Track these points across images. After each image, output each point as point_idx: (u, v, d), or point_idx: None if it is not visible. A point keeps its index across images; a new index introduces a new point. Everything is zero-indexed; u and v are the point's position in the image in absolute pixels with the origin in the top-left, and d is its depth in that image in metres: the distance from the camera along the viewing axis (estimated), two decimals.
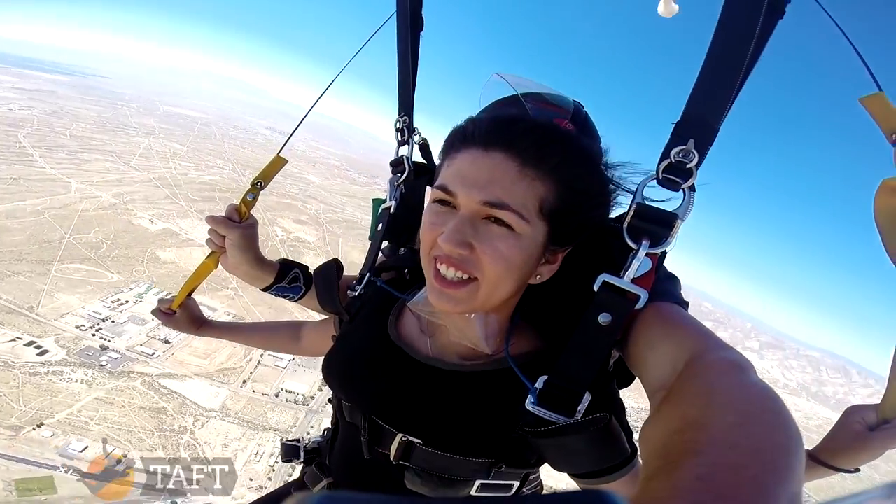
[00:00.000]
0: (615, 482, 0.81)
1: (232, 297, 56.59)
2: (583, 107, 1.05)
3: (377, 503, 0.25)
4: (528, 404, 0.83)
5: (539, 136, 0.83)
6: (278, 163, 1.36)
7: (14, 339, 40.28)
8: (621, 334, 0.83)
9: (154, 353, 44.96)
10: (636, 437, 0.84)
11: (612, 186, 0.92)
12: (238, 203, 1.29)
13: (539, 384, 0.84)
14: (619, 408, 0.93)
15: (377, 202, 1.37)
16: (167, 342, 46.59)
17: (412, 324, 1.07)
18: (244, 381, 45.64)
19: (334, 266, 1.30)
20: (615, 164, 0.94)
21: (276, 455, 38.05)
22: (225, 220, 1.26)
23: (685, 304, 0.89)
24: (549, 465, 0.87)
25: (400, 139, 1.34)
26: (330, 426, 1.23)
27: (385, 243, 1.35)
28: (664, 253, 0.85)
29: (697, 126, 0.80)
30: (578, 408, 0.81)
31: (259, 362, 46.68)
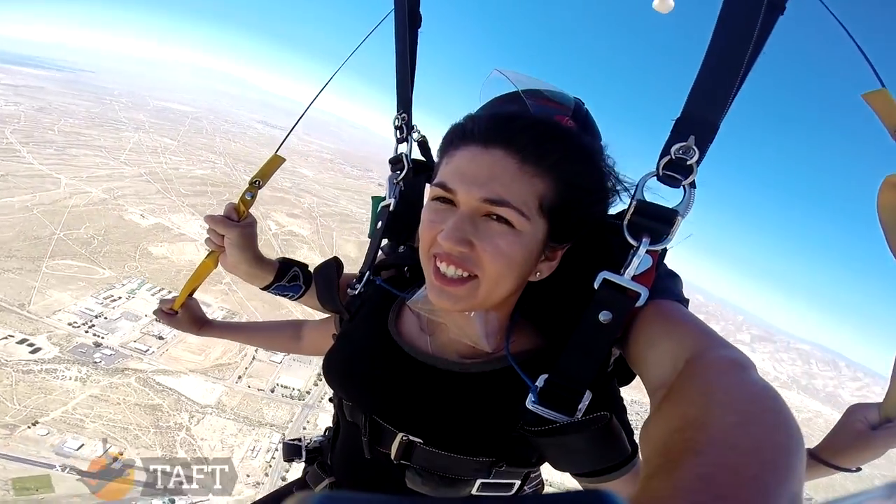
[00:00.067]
0: (615, 481, 0.81)
1: (226, 292, 56.33)
2: (583, 104, 1.05)
3: (378, 503, 0.25)
4: (529, 403, 0.83)
5: (538, 133, 0.83)
6: (276, 161, 1.35)
7: (6, 337, 39.96)
8: (622, 332, 0.83)
9: (148, 350, 44.77)
10: (636, 435, 0.84)
11: (611, 183, 0.92)
12: (236, 202, 1.29)
13: (540, 383, 0.84)
14: (620, 407, 0.94)
15: (376, 200, 1.36)
16: (161, 338, 46.38)
17: (412, 322, 1.07)
18: (239, 377, 45.60)
19: (334, 265, 1.30)
20: (615, 167, 0.94)
21: (272, 451, 38.16)
22: (224, 219, 1.26)
23: (686, 302, 0.89)
24: (550, 464, 0.86)
25: (399, 137, 1.33)
26: (331, 425, 1.24)
27: (385, 241, 1.34)
28: (664, 250, 0.85)
29: (698, 123, 0.80)
30: (579, 406, 0.81)
31: (254, 357, 46.61)
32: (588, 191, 0.86)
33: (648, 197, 0.85)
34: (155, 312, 1.52)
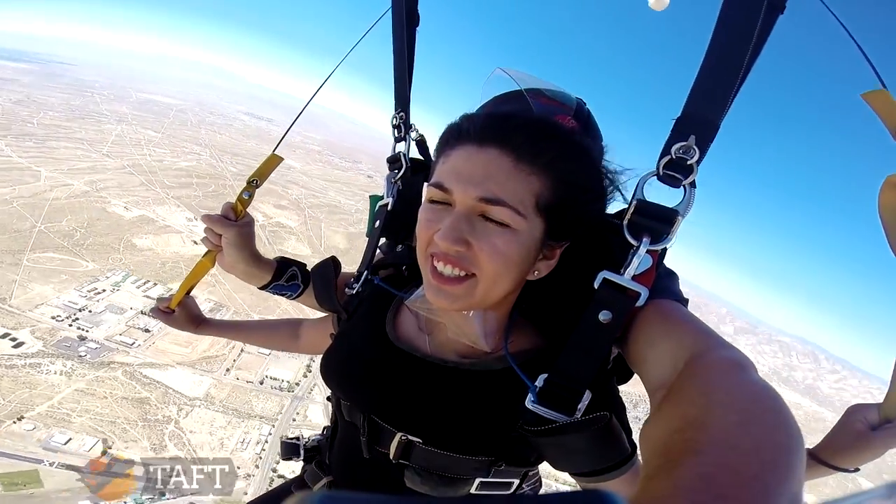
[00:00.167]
0: (614, 481, 0.82)
1: (213, 284, 55.79)
2: (585, 104, 1.06)
3: (377, 503, 0.25)
4: (528, 403, 0.83)
5: (534, 132, 0.82)
6: (274, 161, 1.34)
7: None
8: (621, 331, 0.83)
9: (134, 343, 44.27)
10: (635, 435, 0.85)
11: (609, 181, 0.93)
12: (234, 201, 1.28)
13: (539, 382, 0.84)
14: (619, 406, 0.94)
15: (374, 199, 1.36)
16: (147, 331, 45.88)
17: (410, 322, 1.07)
18: (228, 369, 45.34)
19: (331, 264, 1.30)
20: (616, 168, 0.95)
21: (262, 443, 38.13)
22: (221, 218, 1.25)
23: (685, 301, 0.90)
24: (549, 463, 0.87)
25: (396, 135, 1.33)
26: (329, 424, 1.24)
27: (382, 240, 1.34)
28: (664, 250, 0.85)
29: (698, 122, 0.80)
30: (578, 406, 0.81)
31: (242, 350, 46.33)
32: (585, 189, 0.86)
33: (649, 196, 0.85)
34: (152, 310, 1.51)
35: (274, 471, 35.41)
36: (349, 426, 1.05)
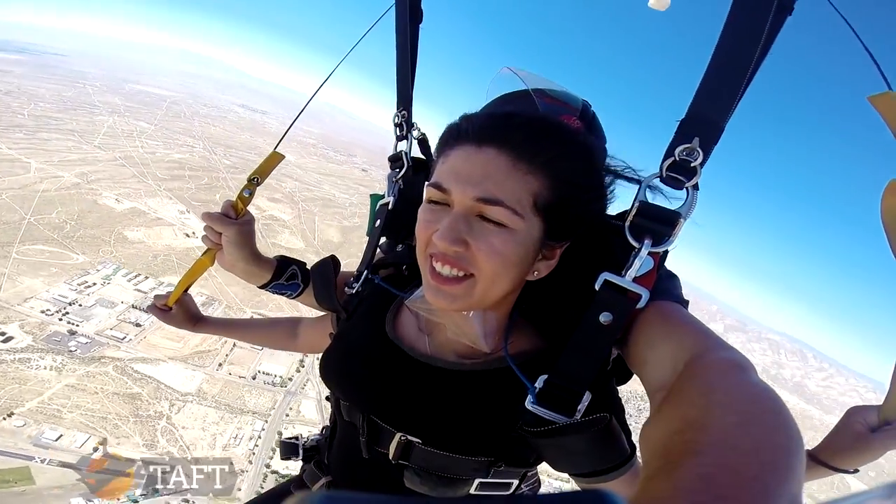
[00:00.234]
0: (614, 481, 0.82)
1: (205, 277, 55.10)
2: (590, 106, 1.04)
3: (378, 503, 0.25)
4: (528, 403, 0.83)
5: (531, 131, 0.82)
6: (275, 158, 1.34)
7: None
8: (622, 333, 0.83)
9: (125, 337, 44.08)
10: (634, 437, 0.85)
11: (609, 181, 0.92)
12: (234, 199, 1.27)
13: (539, 383, 0.84)
14: (619, 407, 0.94)
15: (375, 198, 1.35)
16: (139, 325, 45.71)
17: (410, 322, 1.06)
18: (220, 364, 45.30)
19: (331, 263, 1.29)
20: (618, 164, 0.94)
21: (255, 438, 38.05)
22: (221, 216, 1.23)
23: (685, 303, 0.89)
24: (549, 464, 0.87)
25: (399, 134, 1.32)
26: (328, 424, 1.23)
27: (383, 239, 1.33)
28: (666, 252, 0.85)
29: (703, 124, 0.80)
30: (578, 407, 0.81)
31: (235, 345, 46.21)
32: (584, 188, 0.85)
33: (650, 198, 0.84)
34: (149, 308, 1.51)
35: (267, 466, 35.43)
36: (348, 426, 1.05)
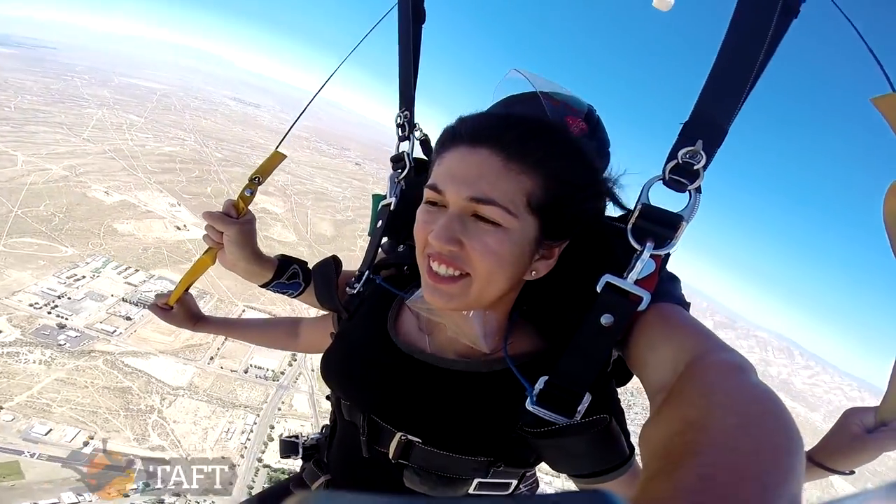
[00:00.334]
0: (613, 482, 0.83)
1: None
2: (595, 111, 1.06)
3: (377, 503, 0.25)
4: (528, 404, 0.84)
5: (523, 130, 0.83)
6: (277, 158, 1.34)
7: None
8: (622, 335, 0.84)
9: (115, 331, 43.69)
10: (633, 438, 0.86)
11: (606, 178, 0.93)
12: (235, 199, 1.27)
13: (539, 384, 0.84)
14: (618, 408, 0.95)
15: (377, 198, 1.35)
16: (129, 319, 45.33)
17: (411, 322, 1.07)
18: (211, 358, 45.05)
19: (332, 263, 1.30)
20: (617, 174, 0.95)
21: (247, 433, 37.99)
22: (222, 215, 1.24)
23: (686, 305, 0.90)
24: (548, 464, 0.88)
25: (401, 135, 1.32)
26: (328, 423, 1.24)
27: (385, 240, 1.34)
28: (668, 255, 0.85)
29: (706, 127, 0.80)
30: (578, 409, 0.82)
31: (226, 338, 45.81)
32: (577, 186, 0.85)
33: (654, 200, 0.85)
34: (150, 307, 1.51)
35: (259, 461, 35.40)
36: (349, 425, 1.05)
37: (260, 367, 45.79)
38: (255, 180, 1.30)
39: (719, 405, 0.50)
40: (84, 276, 49.38)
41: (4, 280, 44.79)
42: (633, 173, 0.94)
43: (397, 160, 1.32)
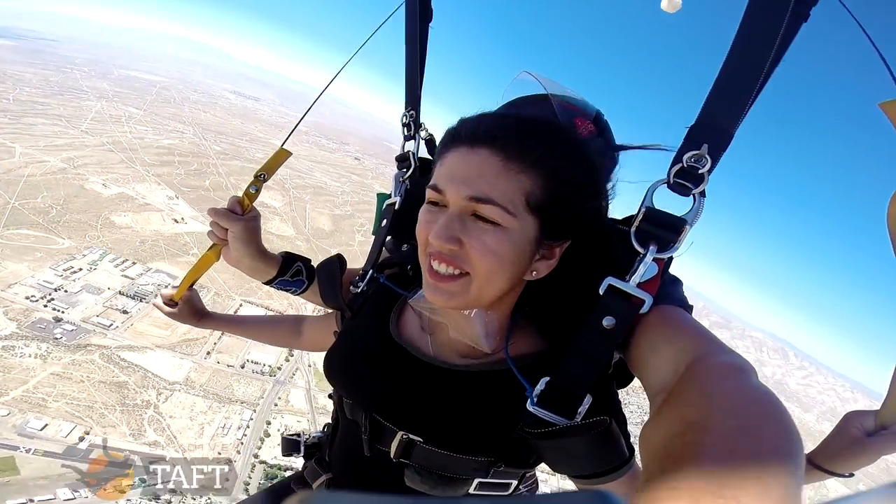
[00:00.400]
0: (612, 483, 0.83)
1: (192, 263, 54.82)
2: (603, 115, 1.05)
3: (378, 503, 0.25)
4: (529, 405, 0.84)
5: (522, 130, 0.83)
6: (282, 155, 1.34)
7: None
8: (624, 337, 0.84)
9: (112, 325, 43.57)
10: (633, 439, 0.87)
11: (610, 181, 0.93)
12: (241, 195, 1.28)
13: (540, 385, 0.85)
14: (618, 410, 0.94)
15: (381, 197, 1.36)
16: (125, 312, 45.22)
17: (413, 322, 1.07)
18: (208, 353, 45.01)
19: (337, 261, 1.30)
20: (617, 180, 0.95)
21: (243, 428, 37.93)
22: (227, 212, 1.24)
23: (689, 307, 0.90)
24: (548, 465, 0.88)
25: (406, 134, 1.33)
26: (330, 422, 1.24)
27: (389, 239, 1.34)
28: (671, 258, 0.86)
29: (712, 131, 0.80)
30: (579, 410, 0.83)
31: (223, 333, 45.81)
32: (576, 185, 0.85)
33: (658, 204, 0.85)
34: (154, 304, 1.52)
35: (256, 456, 35.39)
36: (351, 424, 1.06)
37: (257, 363, 45.76)
38: (261, 177, 1.30)
39: (719, 407, 0.51)
40: (81, 269, 49.25)
41: (1, 272, 44.61)
42: (635, 182, 0.94)
43: (402, 160, 1.32)
